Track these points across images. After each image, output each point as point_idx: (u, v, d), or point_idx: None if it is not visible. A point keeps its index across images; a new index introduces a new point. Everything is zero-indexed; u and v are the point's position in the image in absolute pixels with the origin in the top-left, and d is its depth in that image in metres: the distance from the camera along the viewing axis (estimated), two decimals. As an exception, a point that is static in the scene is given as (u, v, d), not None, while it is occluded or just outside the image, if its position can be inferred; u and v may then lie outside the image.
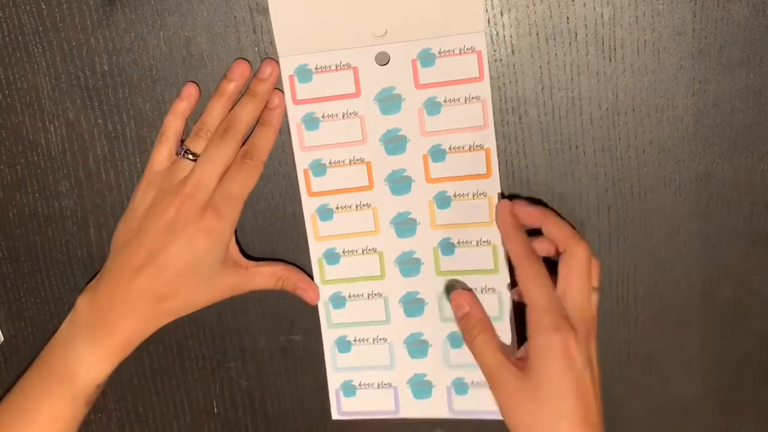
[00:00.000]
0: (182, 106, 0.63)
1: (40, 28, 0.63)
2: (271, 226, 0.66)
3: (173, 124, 0.63)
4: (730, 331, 0.67)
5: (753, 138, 0.63)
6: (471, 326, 0.61)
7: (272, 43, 0.63)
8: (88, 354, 0.62)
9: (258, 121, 0.63)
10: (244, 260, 0.65)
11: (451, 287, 0.64)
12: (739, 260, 0.66)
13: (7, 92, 0.64)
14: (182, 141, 0.64)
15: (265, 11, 0.62)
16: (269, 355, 0.70)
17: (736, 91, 0.62)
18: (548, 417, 0.57)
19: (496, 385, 0.59)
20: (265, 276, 0.65)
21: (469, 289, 0.64)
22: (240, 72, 0.62)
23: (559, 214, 0.63)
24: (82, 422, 0.64)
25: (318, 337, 0.68)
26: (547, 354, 0.57)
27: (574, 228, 0.62)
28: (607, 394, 0.68)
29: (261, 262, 0.66)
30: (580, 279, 0.59)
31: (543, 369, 0.57)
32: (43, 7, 0.63)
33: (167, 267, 0.61)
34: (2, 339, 0.70)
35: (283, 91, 0.63)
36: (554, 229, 0.61)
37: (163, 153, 0.63)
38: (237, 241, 0.66)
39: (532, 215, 0.62)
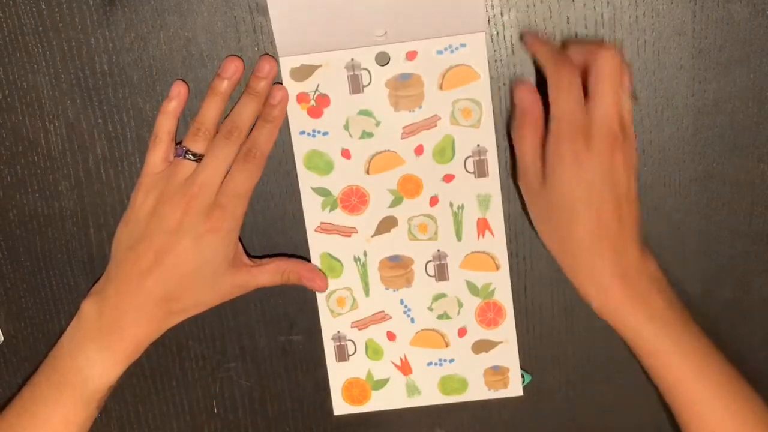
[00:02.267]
0: (172, 105, 0.63)
1: (40, 28, 0.63)
2: (271, 226, 0.66)
3: (165, 125, 0.63)
4: (730, 331, 0.67)
5: (753, 138, 0.63)
6: (523, 119, 0.60)
7: (272, 43, 0.63)
8: (99, 360, 0.62)
9: (259, 117, 0.63)
10: (247, 259, 0.66)
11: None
12: (739, 260, 0.66)
13: (7, 92, 0.65)
14: (179, 142, 0.63)
15: (265, 11, 0.62)
16: (269, 355, 0.70)
17: (736, 91, 0.62)
18: (561, 222, 0.58)
19: (524, 181, 0.61)
20: (270, 272, 0.65)
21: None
22: (233, 69, 0.62)
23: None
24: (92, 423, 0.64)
25: (318, 337, 0.68)
26: (558, 162, 0.57)
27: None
28: (608, 394, 0.69)
29: (264, 260, 0.66)
30: (606, 86, 0.57)
31: (555, 176, 0.57)
32: (43, 7, 0.63)
33: (176, 268, 0.61)
34: (2, 339, 0.70)
35: (285, 87, 0.63)
36: (577, 46, 0.60)
37: (158, 155, 0.63)
38: (240, 241, 0.66)
39: (550, 47, 0.60)
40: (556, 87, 0.58)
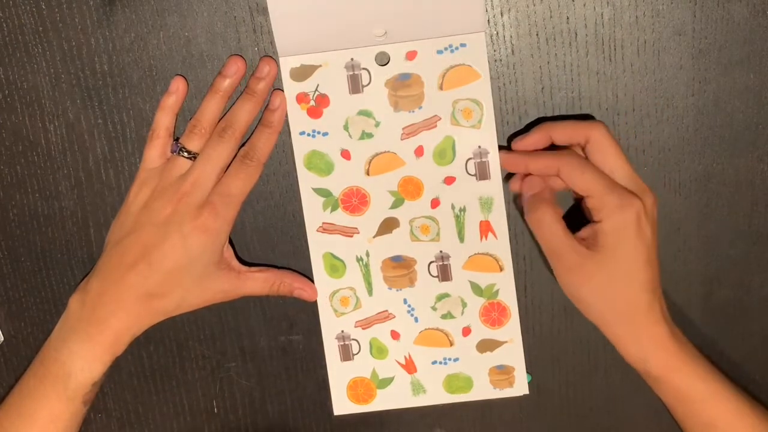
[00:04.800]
0: (171, 100, 0.63)
1: (40, 28, 0.63)
2: (271, 226, 0.66)
3: (164, 121, 0.63)
4: (730, 331, 0.67)
5: (753, 138, 0.63)
6: (538, 204, 0.61)
7: (272, 43, 0.63)
8: (80, 352, 0.62)
9: (259, 122, 0.63)
10: (237, 264, 0.65)
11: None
12: (739, 260, 0.66)
13: (7, 92, 0.64)
14: (177, 139, 0.63)
15: (265, 11, 0.62)
16: (269, 355, 0.70)
17: (736, 91, 0.63)
18: (618, 286, 0.59)
19: (560, 262, 0.60)
20: (258, 281, 0.65)
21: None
22: (235, 68, 0.62)
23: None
24: (82, 422, 0.64)
25: (318, 337, 0.68)
26: (621, 231, 0.58)
27: (580, 118, 0.62)
28: (608, 394, 0.69)
29: (254, 268, 0.65)
30: (615, 153, 0.59)
31: (617, 245, 0.58)
32: (43, 7, 0.63)
33: (161, 264, 0.61)
34: (2, 339, 0.70)
35: (284, 92, 0.63)
36: (561, 133, 0.60)
37: (155, 150, 0.63)
38: (233, 246, 0.66)
39: (535, 140, 0.61)
40: (579, 172, 0.58)
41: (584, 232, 0.60)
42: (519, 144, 0.62)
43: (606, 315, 0.60)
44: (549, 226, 0.60)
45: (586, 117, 0.63)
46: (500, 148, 0.63)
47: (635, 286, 0.58)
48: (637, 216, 0.57)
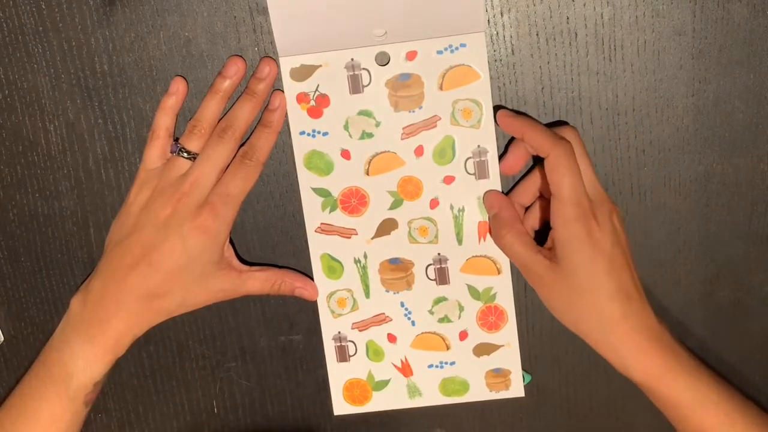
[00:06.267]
0: (171, 101, 0.63)
1: (40, 28, 0.63)
2: (271, 226, 0.67)
3: (163, 121, 0.63)
4: (730, 331, 0.67)
5: (753, 138, 0.63)
6: (499, 226, 0.62)
7: (272, 43, 0.63)
8: (82, 353, 0.62)
9: (258, 122, 0.63)
10: (238, 264, 0.65)
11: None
12: (739, 260, 0.66)
13: (7, 92, 0.64)
14: (176, 139, 0.64)
15: (265, 11, 0.62)
16: (269, 355, 0.70)
17: (736, 91, 0.62)
18: (583, 297, 0.59)
19: (531, 277, 0.61)
20: (260, 280, 0.65)
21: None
22: (235, 69, 0.62)
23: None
24: (83, 422, 0.64)
25: (318, 337, 0.68)
26: (573, 242, 0.58)
27: (579, 118, 0.62)
28: (608, 394, 0.69)
29: (255, 267, 0.65)
30: (584, 161, 0.60)
31: (572, 258, 0.58)
32: (43, 7, 0.63)
33: (161, 265, 0.61)
34: (2, 339, 0.70)
35: (284, 92, 0.63)
36: (531, 140, 0.60)
37: (155, 151, 0.63)
38: (233, 245, 0.66)
39: (515, 128, 0.61)
40: (561, 170, 0.58)
41: (549, 242, 0.60)
42: (503, 119, 0.61)
43: (580, 325, 0.60)
44: (511, 245, 0.61)
45: (562, 123, 0.63)
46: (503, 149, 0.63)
47: (601, 297, 0.58)
48: (587, 229, 0.58)
